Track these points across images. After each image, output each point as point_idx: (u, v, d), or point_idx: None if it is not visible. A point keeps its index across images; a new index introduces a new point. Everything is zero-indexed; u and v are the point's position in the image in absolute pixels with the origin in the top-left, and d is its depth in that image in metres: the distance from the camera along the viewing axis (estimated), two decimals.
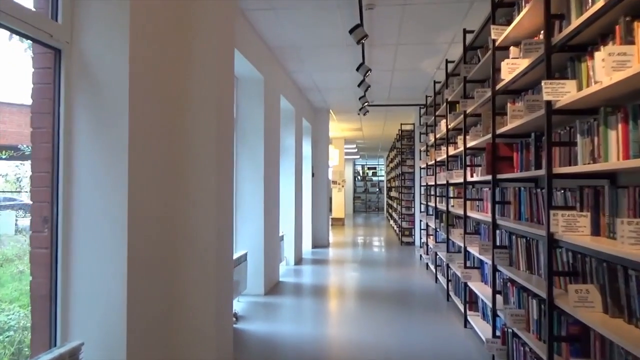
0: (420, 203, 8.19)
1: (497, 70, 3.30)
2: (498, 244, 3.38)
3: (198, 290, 2.89)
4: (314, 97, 8.68)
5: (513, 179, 3.27)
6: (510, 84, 3.11)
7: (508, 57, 3.12)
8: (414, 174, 10.17)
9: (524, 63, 2.78)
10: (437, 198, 6.28)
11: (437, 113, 6.11)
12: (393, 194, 14.09)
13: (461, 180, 4.52)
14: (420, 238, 8.15)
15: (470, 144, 4.10)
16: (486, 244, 3.59)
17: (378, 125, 12.29)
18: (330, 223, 15.52)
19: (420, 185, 8.16)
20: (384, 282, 6.27)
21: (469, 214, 4.20)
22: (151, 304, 2.58)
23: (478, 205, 4.23)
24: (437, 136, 6.03)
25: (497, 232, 3.44)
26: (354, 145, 17.44)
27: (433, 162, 6.49)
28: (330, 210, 16.12)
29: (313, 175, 9.70)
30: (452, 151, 5.13)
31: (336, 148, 14.53)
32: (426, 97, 7.49)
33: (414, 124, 10.20)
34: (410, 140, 10.61)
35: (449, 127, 5.12)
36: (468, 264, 4.30)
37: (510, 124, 2.97)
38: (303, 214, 9.39)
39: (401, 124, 10.42)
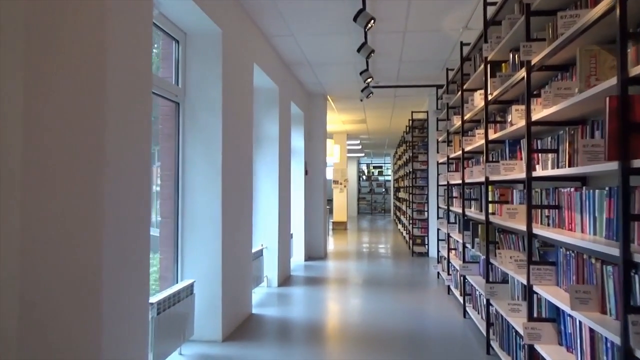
0: (438, 207, 6.55)
1: None
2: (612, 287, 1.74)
3: None
4: (305, 76, 7.05)
5: None
6: None
7: None
8: (428, 172, 8.52)
9: None
10: (466, 202, 4.64)
11: (466, 86, 4.47)
12: (401, 194, 12.43)
13: (518, 175, 2.89)
14: (438, 250, 6.51)
15: (540, 115, 2.46)
16: (583, 291, 1.97)
17: (384, 115, 10.65)
18: (331, 227, 13.94)
19: (438, 185, 6.53)
20: (394, 317, 4.63)
21: (537, 230, 2.56)
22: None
23: (551, 217, 2.59)
24: (467, 117, 4.39)
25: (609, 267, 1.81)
26: (358, 141, 15.81)
27: (459, 153, 4.85)
28: (331, 212, 14.51)
29: (306, 173, 8.09)
30: (495, 134, 3.50)
31: (337, 143, 12.90)
32: (447, 71, 5.84)
33: (427, 112, 8.55)
34: (422, 132, 8.96)
35: (491, 98, 3.49)
36: (529, 310, 2.65)
37: None
38: (293, 220, 7.78)
39: (412, 113, 8.78)
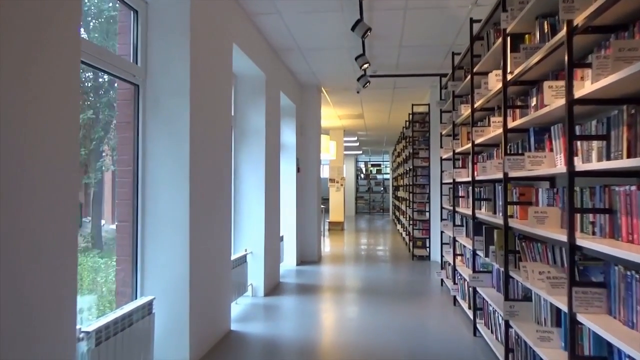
0: (441, 207, 5.96)
1: None
2: None
3: None
4: (296, 64, 6.45)
5: None
6: None
7: None
8: (430, 169, 7.93)
9: None
10: (476, 202, 4.05)
11: (476, 68, 3.88)
12: (401, 193, 11.85)
13: (549, 169, 2.30)
14: (441, 255, 5.92)
15: (588, 90, 1.86)
16: None
17: (383, 109, 10.05)
18: (327, 228, 13.34)
19: (442, 183, 5.93)
20: (394, 335, 4.04)
21: (582, 241, 1.96)
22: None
23: (597, 224, 2.00)
24: (478, 104, 3.79)
25: None
26: (355, 138, 15.21)
27: (467, 147, 4.26)
28: (327, 212, 13.93)
29: (299, 170, 7.49)
30: (516, 121, 2.90)
31: (333, 140, 12.31)
32: (453, 55, 5.23)
33: (428, 104, 7.95)
34: (424, 126, 8.37)
35: (511, 77, 2.89)
36: (572, 345, 2.06)
37: None
38: (284, 221, 7.19)
39: (412, 106, 8.18)
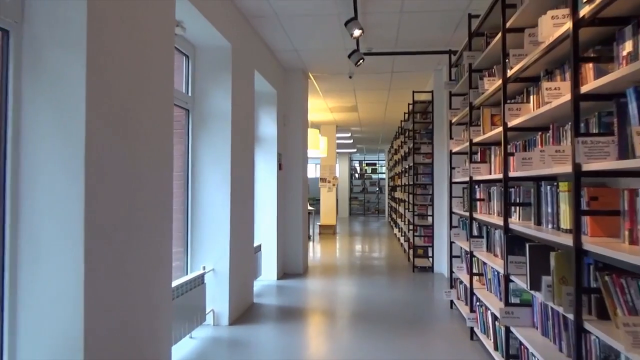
0: (451, 212, 4.86)
1: None
2: None
3: None
4: (274, 37, 5.35)
5: None
6: None
7: None
8: (433, 166, 6.84)
9: None
10: (505, 208, 2.97)
11: (511, 22, 2.78)
12: (398, 194, 10.76)
13: None
14: (451, 271, 4.82)
15: None
16: None
17: (379, 99, 8.96)
18: (317, 232, 12.24)
19: (451, 183, 4.84)
20: None
21: None
22: None
23: None
24: (518, 68, 2.69)
25: None
26: (349, 135, 14.11)
27: (494, 133, 3.17)
28: (318, 214, 12.84)
29: (280, 167, 6.38)
30: (592, 84, 1.81)
31: (324, 135, 11.21)
32: (469, 18, 4.13)
33: (431, 91, 6.86)
34: (426, 117, 7.28)
35: (589, 11, 1.80)
36: None
37: None
38: (262, 228, 6.09)
39: (413, 93, 7.09)
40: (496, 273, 3.40)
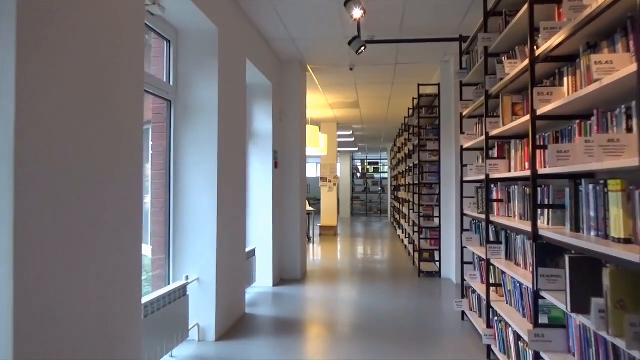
0: (462, 214, 4.41)
1: None
2: None
3: None
4: (267, 23, 4.92)
5: None
6: None
7: None
8: (440, 164, 6.40)
9: None
10: (534, 211, 2.53)
11: None
12: (402, 194, 10.32)
13: None
14: (462, 278, 4.37)
15: None
16: None
17: (381, 95, 8.52)
18: (318, 233, 11.81)
19: (462, 182, 4.40)
20: None
21: None
22: None
23: None
24: (547, 45, 2.25)
25: None
26: (350, 132, 13.67)
27: (519, 123, 2.73)
28: (318, 215, 12.41)
29: (276, 166, 5.95)
30: None
31: (325, 133, 10.78)
32: None
33: (438, 84, 6.42)
34: (432, 112, 6.84)
35: None
36: None
37: None
38: (256, 230, 5.68)
39: (418, 86, 6.64)
40: (518, 285, 2.97)
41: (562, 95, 2.31)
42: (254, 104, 5.75)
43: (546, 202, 2.48)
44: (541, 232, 2.38)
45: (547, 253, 2.36)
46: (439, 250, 6.37)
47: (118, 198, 2.27)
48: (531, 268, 2.74)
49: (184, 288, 3.40)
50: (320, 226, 12.07)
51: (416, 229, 7.02)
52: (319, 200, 12.56)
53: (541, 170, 2.40)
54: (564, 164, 2.10)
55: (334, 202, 12.22)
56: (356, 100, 8.95)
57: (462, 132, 4.34)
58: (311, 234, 10.48)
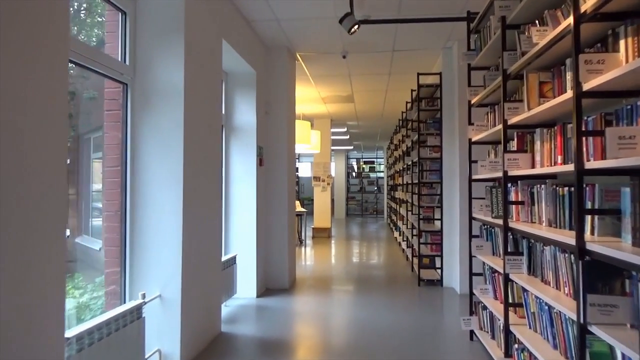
0: (470, 217, 3.83)
1: None
2: None
3: None
4: (251, 6, 4.32)
5: None
6: None
7: None
8: (442, 162, 5.82)
9: None
10: (579, 218, 1.94)
11: None
12: (399, 194, 9.75)
13: None
14: (471, 292, 3.78)
15: None
16: None
17: (378, 87, 7.94)
18: (311, 235, 11.23)
19: (471, 180, 3.82)
20: None
21: None
22: None
23: None
24: None
25: None
26: (345, 129, 13.09)
27: (545, 107, 2.15)
28: (311, 215, 11.84)
29: (261, 163, 5.36)
30: None
31: (318, 129, 10.19)
32: None
33: (439, 73, 5.85)
34: (433, 104, 6.27)
35: None
36: None
37: None
38: (239, 234, 5.10)
39: (418, 75, 6.06)
40: (546, 308, 2.39)
41: (618, 64, 1.73)
42: (235, 94, 5.16)
43: (595, 207, 1.90)
44: (589, 246, 1.80)
45: (598, 274, 1.78)
46: (441, 256, 5.80)
47: (32, 198, 1.68)
48: (567, 289, 2.17)
49: (137, 309, 2.80)
50: (313, 228, 11.48)
51: (415, 232, 6.44)
52: (312, 200, 11.97)
53: (590, 164, 1.82)
54: (629, 155, 1.52)
55: (327, 202, 11.63)
56: (350, 94, 8.37)
57: (470, 123, 3.76)
58: (303, 237, 9.89)
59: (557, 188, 2.34)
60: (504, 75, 2.84)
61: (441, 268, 5.80)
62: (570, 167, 2.06)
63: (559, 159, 2.28)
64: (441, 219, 5.80)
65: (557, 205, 2.34)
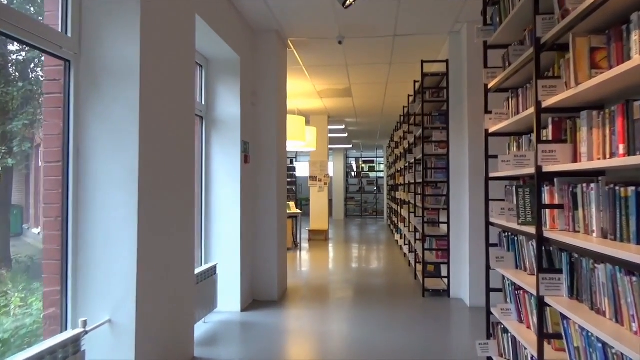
0: (487, 223, 3.23)
1: None
2: None
3: None
4: None
5: None
6: None
7: None
8: (449, 159, 5.24)
9: None
10: None
11: None
12: (400, 195, 9.16)
13: None
14: (488, 311, 3.20)
15: None
16: None
17: (377, 79, 7.35)
18: (307, 238, 10.64)
19: (487, 179, 3.23)
20: None
21: None
22: None
23: None
24: None
25: None
26: (343, 127, 12.50)
27: (598, 82, 1.55)
28: (307, 217, 11.25)
29: (246, 160, 4.78)
30: None
31: (314, 126, 9.60)
32: None
33: (446, 61, 5.26)
34: (439, 95, 5.68)
35: None
36: None
37: None
38: (221, 240, 4.52)
39: (422, 63, 5.46)
40: (600, 345, 1.81)
41: None
42: (217, 83, 4.58)
43: None
44: None
45: None
46: (448, 264, 5.21)
47: None
48: (635, 325, 1.59)
49: (74, 342, 2.21)
50: (309, 230, 10.90)
51: (419, 236, 5.86)
52: (308, 201, 11.40)
53: None
54: None
55: (324, 203, 11.05)
56: (348, 86, 7.78)
57: (487, 112, 3.17)
58: (298, 240, 9.31)
59: (617, 188, 1.76)
60: (536, 46, 2.25)
61: (448, 277, 5.21)
62: (637, 159, 1.50)
63: (621, 148, 1.69)
64: (448, 223, 5.22)
65: (617, 210, 1.76)
